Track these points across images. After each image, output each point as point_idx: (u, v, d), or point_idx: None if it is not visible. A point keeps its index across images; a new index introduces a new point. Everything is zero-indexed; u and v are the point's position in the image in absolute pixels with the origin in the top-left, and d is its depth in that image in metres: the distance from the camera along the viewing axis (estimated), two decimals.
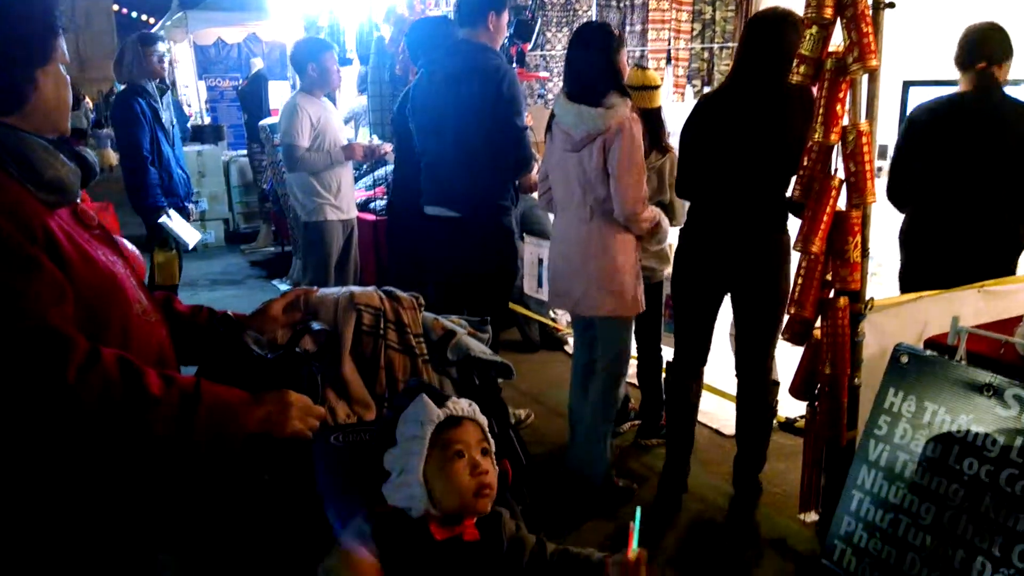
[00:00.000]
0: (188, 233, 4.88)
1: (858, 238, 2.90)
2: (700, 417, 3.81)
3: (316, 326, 1.75)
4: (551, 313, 5.47)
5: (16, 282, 1.33)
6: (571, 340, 5.55)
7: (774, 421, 3.62)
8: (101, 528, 1.52)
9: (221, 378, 1.58)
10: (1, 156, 1.42)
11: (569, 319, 5.61)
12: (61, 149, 1.51)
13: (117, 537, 1.54)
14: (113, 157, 11.77)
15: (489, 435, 1.62)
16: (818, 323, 3.03)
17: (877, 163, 3.13)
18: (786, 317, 3.10)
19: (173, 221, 4.77)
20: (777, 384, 3.43)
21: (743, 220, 3.19)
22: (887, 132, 4.66)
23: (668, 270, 3.85)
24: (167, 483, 1.57)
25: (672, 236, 3.67)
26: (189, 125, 9.68)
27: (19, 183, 1.42)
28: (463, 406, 1.61)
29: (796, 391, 3.13)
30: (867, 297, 3.00)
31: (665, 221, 3.50)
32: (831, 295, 2.99)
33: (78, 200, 1.54)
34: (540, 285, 5.33)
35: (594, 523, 3.29)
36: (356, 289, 1.99)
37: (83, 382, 1.35)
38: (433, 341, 2.02)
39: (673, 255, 3.50)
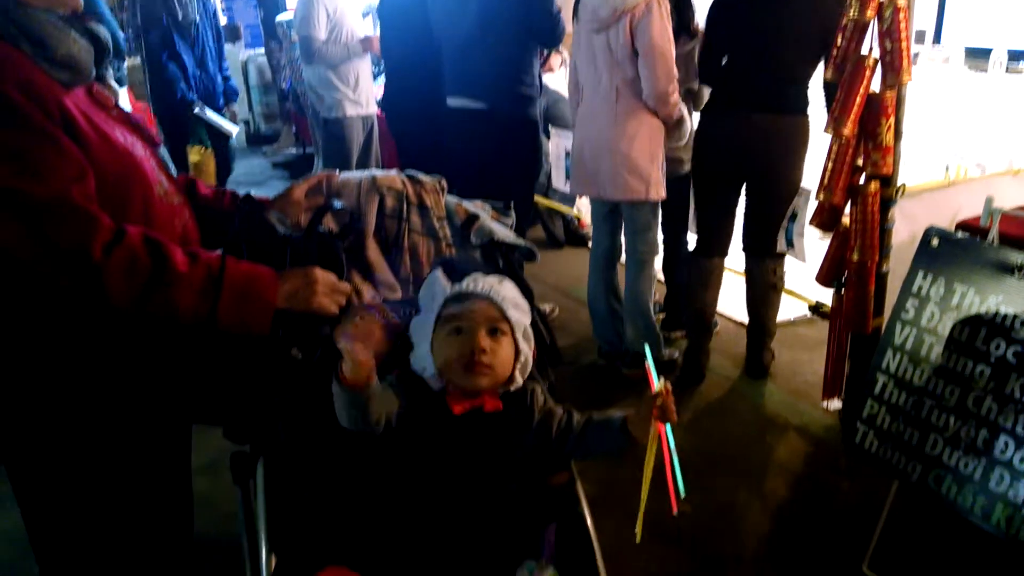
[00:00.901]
0: (226, 124, 4.79)
1: (892, 120, 2.82)
2: (721, 308, 3.83)
3: (337, 204, 1.74)
4: (575, 209, 5.43)
5: (35, 155, 1.33)
6: None
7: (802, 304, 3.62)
8: (136, 396, 1.55)
9: (246, 258, 1.60)
10: (14, 33, 1.39)
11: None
12: (73, 26, 1.48)
13: (151, 405, 1.58)
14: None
15: (509, 314, 1.58)
16: (847, 210, 2.98)
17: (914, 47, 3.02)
18: (815, 203, 3.06)
19: (208, 113, 4.69)
20: (783, 256, 3.46)
21: (766, 102, 3.13)
22: (925, 14, 4.49)
23: None
24: (196, 355, 1.60)
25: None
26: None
27: (32, 61, 1.39)
28: (479, 283, 1.59)
29: (823, 278, 3.11)
30: (898, 183, 2.93)
31: (688, 117, 3.43)
32: (861, 181, 2.93)
33: (92, 78, 1.52)
34: (567, 178, 5.28)
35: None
36: (378, 172, 1.98)
37: (109, 260, 1.36)
38: (456, 225, 2.01)
39: (695, 134, 3.47)
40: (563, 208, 5.42)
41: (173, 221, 1.61)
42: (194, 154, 4.58)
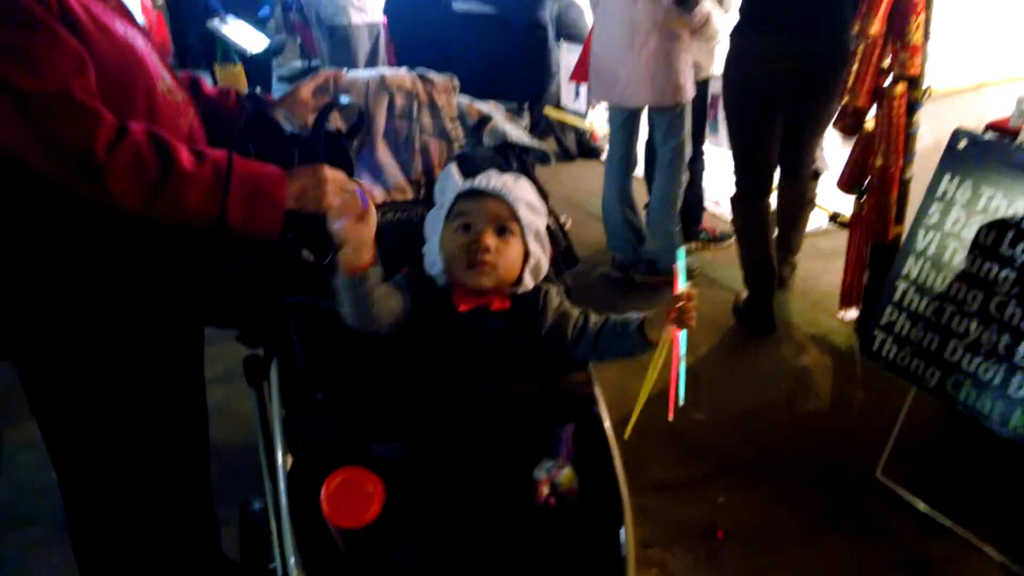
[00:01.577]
0: (249, 38, 4.54)
1: (921, 18, 2.70)
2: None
3: (344, 100, 1.68)
4: (587, 121, 5.32)
5: (32, 48, 1.27)
6: (606, 147, 5.45)
7: (822, 213, 3.56)
8: (147, 297, 1.53)
9: (253, 154, 1.55)
10: None
11: (605, 129, 5.47)
12: None
13: (164, 307, 1.55)
14: None
15: (520, 214, 1.53)
16: (871, 114, 2.89)
17: None
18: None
19: (228, 26, 4.44)
20: (819, 174, 3.34)
21: (807, 20, 2.95)
22: None
23: (714, 68, 3.67)
24: (207, 255, 1.56)
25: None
26: None
27: None
28: (492, 180, 1.54)
29: (844, 184, 3.04)
30: (925, 85, 2.83)
31: (714, 20, 3.29)
32: (887, 83, 2.83)
33: None
34: (576, 96, 5.16)
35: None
36: (387, 71, 1.90)
37: (113, 158, 1.31)
38: (468, 126, 1.95)
39: (725, 60, 3.20)
40: (575, 120, 5.31)
41: (178, 119, 1.55)
42: (220, 72, 4.27)
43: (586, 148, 5.41)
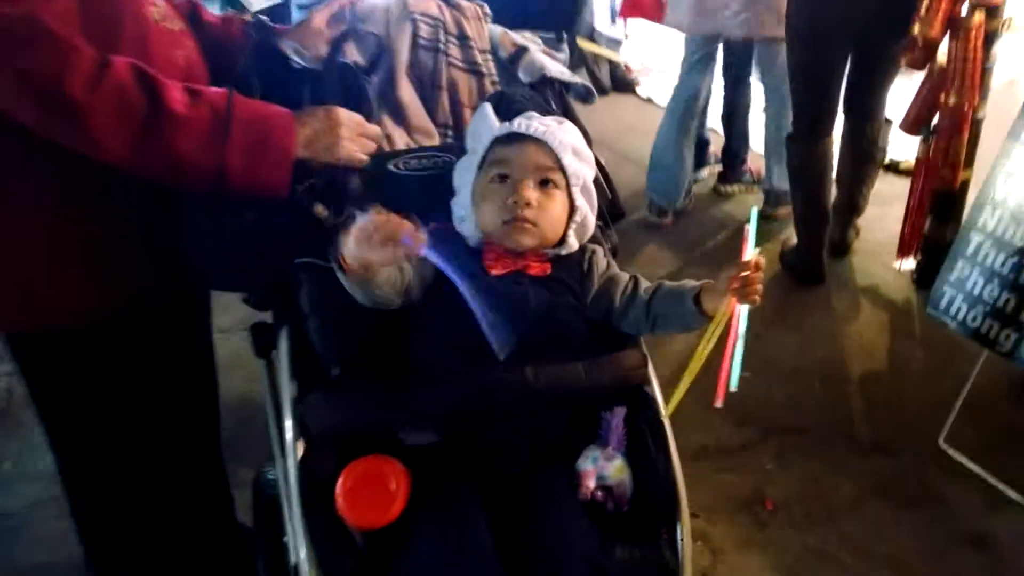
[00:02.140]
0: None
1: None
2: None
3: (362, 29, 1.47)
4: (622, 54, 5.03)
5: None
6: (643, 81, 5.16)
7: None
8: (146, 256, 1.36)
9: (259, 93, 1.35)
10: None
11: (642, 61, 5.17)
12: None
13: (164, 268, 1.38)
14: None
15: (566, 164, 1.33)
16: (943, 46, 2.61)
17: None
18: None
19: None
20: (890, 123, 3.04)
21: None
22: None
23: None
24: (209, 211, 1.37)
25: None
26: None
27: None
28: (533, 123, 1.33)
29: (908, 125, 2.78)
30: (1006, 15, 2.55)
31: None
32: (963, 11, 2.55)
33: None
34: (613, 21, 4.86)
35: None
36: None
37: (92, 98, 1.12)
38: (502, 60, 1.73)
39: None
40: (609, 53, 5.02)
41: (173, 52, 1.35)
42: None
43: (620, 82, 5.12)
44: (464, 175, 1.35)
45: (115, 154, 1.16)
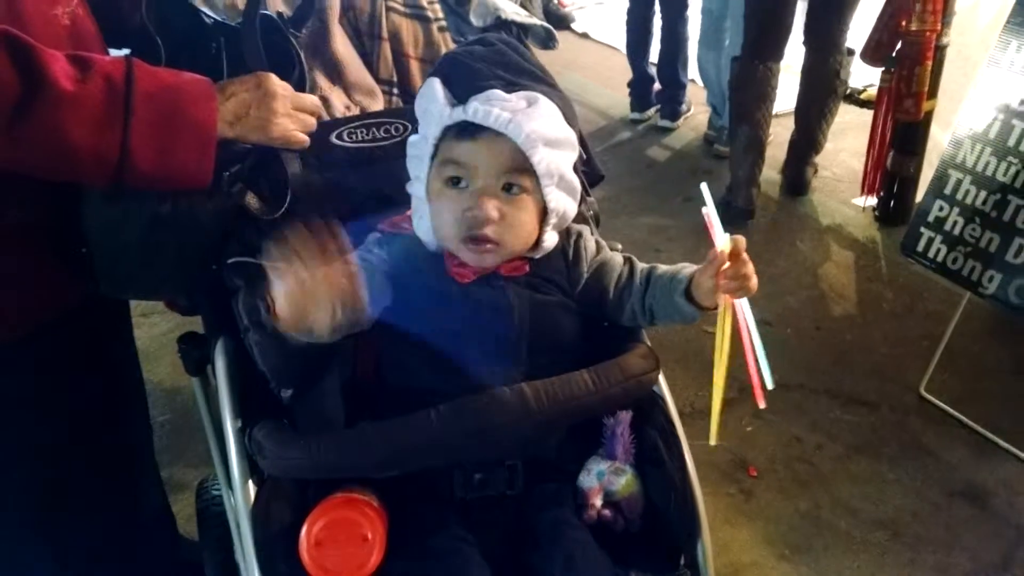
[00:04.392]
0: None
1: None
2: None
3: None
4: None
5: None
6: (577, 16, 4.93)
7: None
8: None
9: (164, 58, 1.10)
10: None
11: None
12: None
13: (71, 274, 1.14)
14: None
15: (537, 160, 1.04)
16: None
17: None
18: None
19: None
20: (852, 53, 2.88)
21: None
22: None
23: None
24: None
25: None
26: None
27: None
28: (494, 108, 1.02)
29: (869, 54, 2.63)
30: None
31: None
32: None
33: None
34: None
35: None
36: None
37: None
38: (450, 4, 1.50)
39: None
40: None
41: (54, 9, 1.08)
42: None
43: (554, 17, 4.88)
44: (416, 164, 1.09)
45: None
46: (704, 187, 1.03)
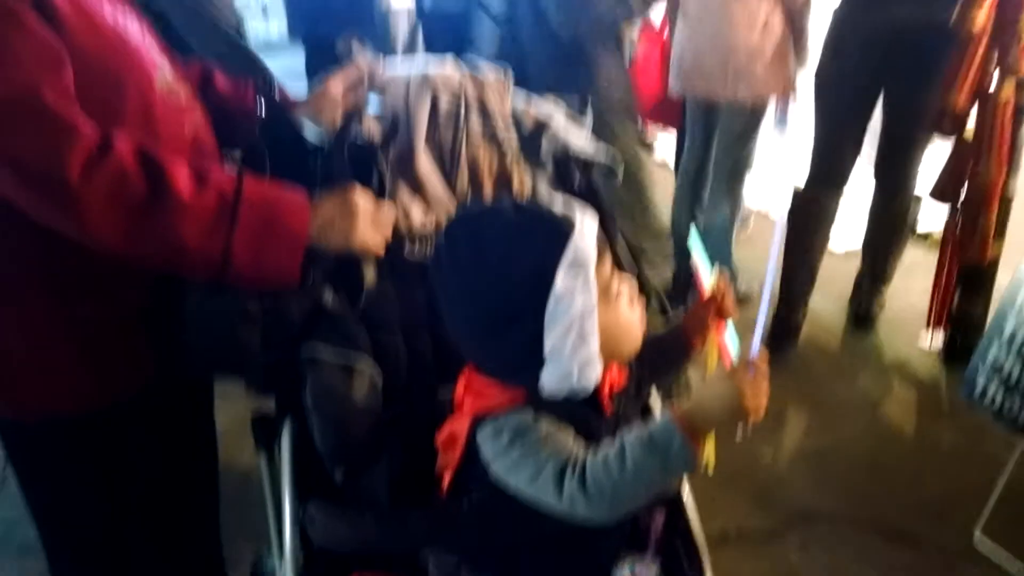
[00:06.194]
0: None
1: None
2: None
3: (374, 108, 1.40)
4: None
5: None
6: (657, 144, 5.10)
7: None
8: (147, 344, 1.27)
9: (267, 170, 1.28)
10: None
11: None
12: None
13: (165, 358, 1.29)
14: None
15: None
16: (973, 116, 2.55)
17: None
18: None
19: None
20: (919, 200, 2.95)
21: None
22: None
23: None
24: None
25: None
26: None
27: None
28: (589, 226, 1.00)
29: (941, 193, 2.67)
30: None
31: None
32: (992, 85, 2.49)
33: None
34: None
35: None
36: (432, 65, 1.61)
37: (90, 183, 1.04)
38: (524, 136, 1.66)
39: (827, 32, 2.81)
40: None
41: (180, 124, 1.27)
42: None
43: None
44: (585, 323, 0.97)
45: (109, 241, 1.08)
46: (693, 228, 1.21)
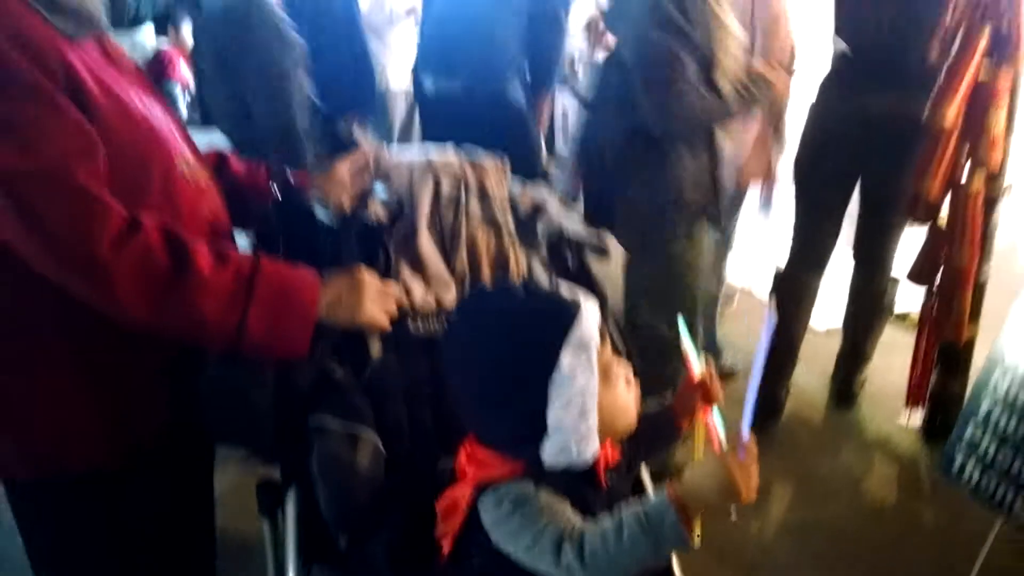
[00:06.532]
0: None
1: (1004, 109, 2.50)
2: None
3: (381, 194, 1.50)
4: None
5: (27, 122, 1.09)
6: None
7: None
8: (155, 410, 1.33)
9: (280, 248, 1.36)
10: None
11: None
12: None
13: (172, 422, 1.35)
14: None
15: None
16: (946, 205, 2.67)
17: None
18: None
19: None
20: (897, 281, 3.06)
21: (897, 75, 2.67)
22: None
23: None
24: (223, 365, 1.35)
25: None
26: None
27: (29, 6, 1.14)
28: (592, 311, 1.08)
29: (917, 276, 2.78)
30: (1007, 181, 2.62)
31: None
32: (963, 176, 2.62)
33: (104, 29, 1.27)
34: None
35: None
36: (433, 152, 1.71)
37: (119, 258, 1.12)
38: (521, 218, 1.76)
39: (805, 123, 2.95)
40: None
41: (199, 205, 1.36)
42: None
43: None
44: (587, 400, 1.04)
45: (135, 313, 1.15)
46: (679, 319, 1.28)
